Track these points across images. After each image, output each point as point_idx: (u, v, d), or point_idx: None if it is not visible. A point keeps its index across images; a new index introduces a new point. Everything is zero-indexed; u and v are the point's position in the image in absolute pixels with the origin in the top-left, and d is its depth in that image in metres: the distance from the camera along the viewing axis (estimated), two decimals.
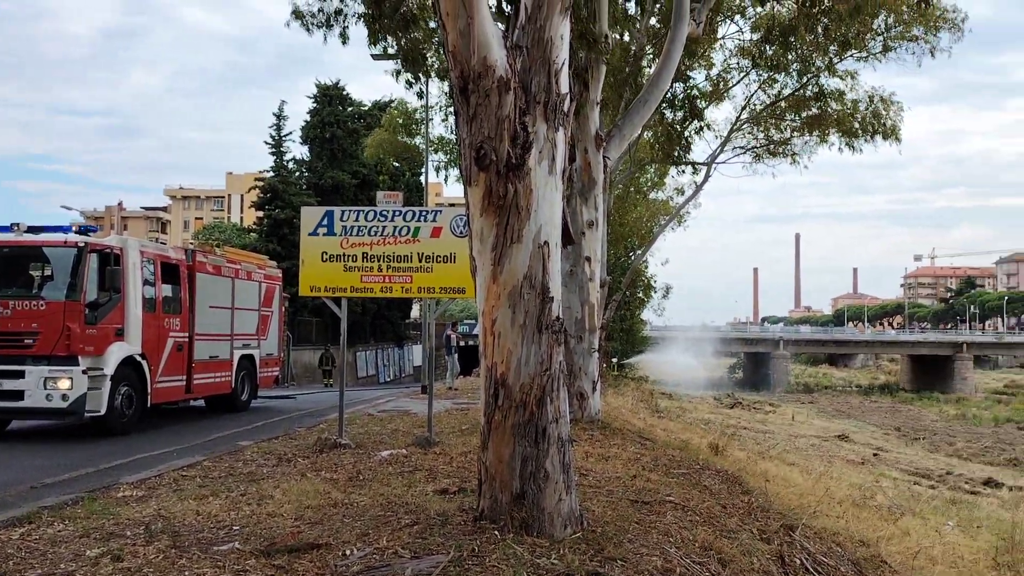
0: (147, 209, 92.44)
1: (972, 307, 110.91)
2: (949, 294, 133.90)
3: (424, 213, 8.50)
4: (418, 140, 22.63)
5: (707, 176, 19.78)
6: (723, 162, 18.85)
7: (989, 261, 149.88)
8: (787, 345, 71.00)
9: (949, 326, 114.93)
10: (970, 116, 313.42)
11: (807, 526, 5.91)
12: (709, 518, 5.41)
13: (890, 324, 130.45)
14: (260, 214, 38.46)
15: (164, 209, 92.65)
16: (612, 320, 24.64)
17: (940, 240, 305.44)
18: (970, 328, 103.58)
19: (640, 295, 33.13)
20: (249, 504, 5.45)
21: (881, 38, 14.95)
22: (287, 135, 39.31)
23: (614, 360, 29.22)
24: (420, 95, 15.10)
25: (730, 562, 4.43)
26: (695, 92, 15.52)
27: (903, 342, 73.34)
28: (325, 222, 8.39)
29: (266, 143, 38.91)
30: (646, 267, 33.69)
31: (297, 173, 39.99)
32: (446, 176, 23.40)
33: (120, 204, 69.33)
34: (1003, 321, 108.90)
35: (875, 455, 22.51)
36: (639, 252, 27.07)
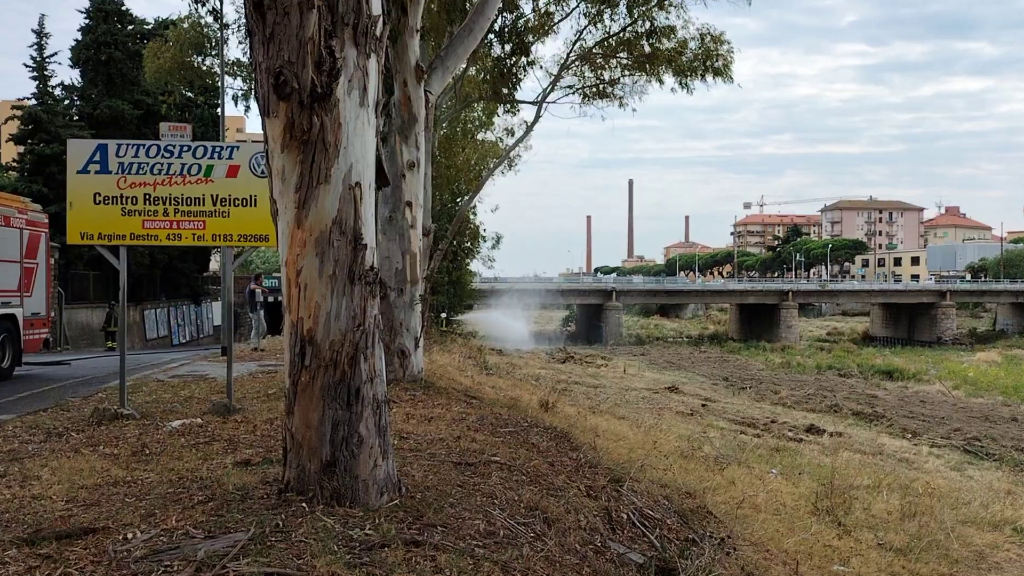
0: None
1: (798, 255, 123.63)
2: (776, 242, 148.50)
3: (218, 149, 8.20)
4: (214, 63, 20.92)
5: (537, 116, 20.33)
6: (553, 102, 19.43)
7: (814, 209, 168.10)
8: (620, 296, 75.49)
9: (776, 275, 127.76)
10: (799, 60, 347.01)
11: (635, 480, 6.45)
12: (536, 477, 5.72)
13: (720, 273, 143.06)
14: (21, 149, 35.04)
15: None
16: (438, 272, 24.93)
17: (768, 187, 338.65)
18: (796, 276, 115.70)
19: (468, 244, 33.73)
20: (10, 487, 5.20)
21: None
22: (52, 56, 35.86)
23: (441, 315, 29.73)
24: (215, 15, 14.01)
25: (556, 521, 4.72)
26: (522, 25, 15.79)
27: (732, 291, 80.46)
28: (97, 158, 7.90)
29: (26, 66, 35.24)
30: (475, 214, 34.32)
31: (67, 101, 36.98)
32: (247, 107, 22.16)
33: None
34: (827, 269, 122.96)
35: (703, 406, 24.77)
36: (467, 198, 27.38)
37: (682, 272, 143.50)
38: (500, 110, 24.21)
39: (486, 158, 29.58)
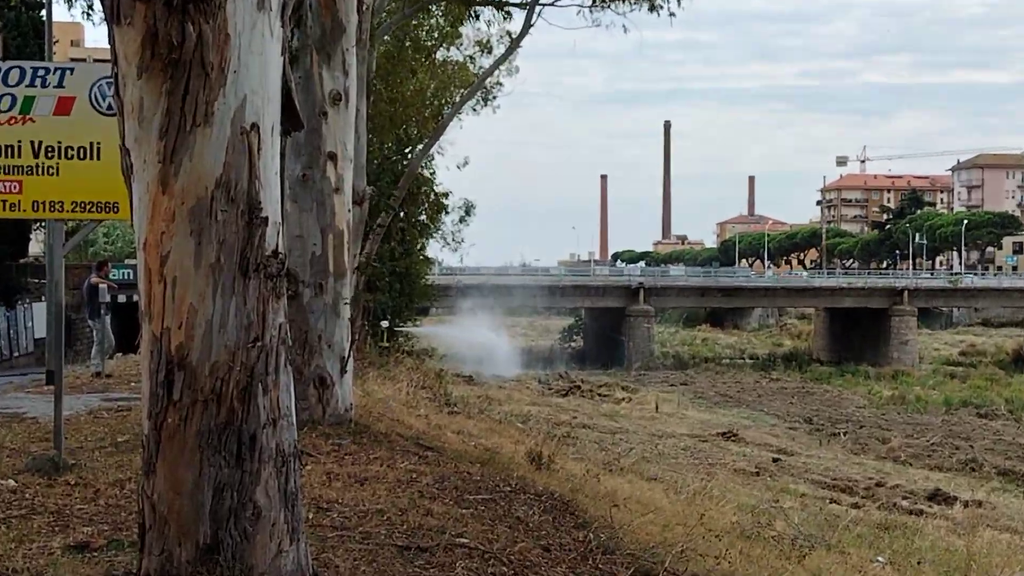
0: None
1: (917, 235, 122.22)
2: (886, 216, 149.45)
3: (41, 72, 8.22)
4: None
5: (527, 24, 20.41)
6: (551, 3, 19.45)
7: (943, 167, 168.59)
8: (651, 296, 76.28)
9: (886, 265, 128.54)
10: None
11: (672, 573, 6.49)
12: (523, 569, 5.79)
13: (800, 263, 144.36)
14: None
15: None
16: (377, 258, 25.04)
17: (874, 135, 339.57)
18: (914, 267, 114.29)
19: (423, 218, 33.87)
20: None
21: None
22: None
23: (382, 324, 29.81)
24: None
25: None
26: None
27: (818, 289, 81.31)
28: None
29: None
30: (432, 172, 34.41)
31: None
32: (89, 8, 22.06)
33: None
34: (960, 256, 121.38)
35: (775, 461, 25.03)
36: (420, 148, 27.48)
37: (744, 261, 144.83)
38: (470, 14, 24.16)
39: (449, 88, 29.62)
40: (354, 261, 11.51)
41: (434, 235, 37.15)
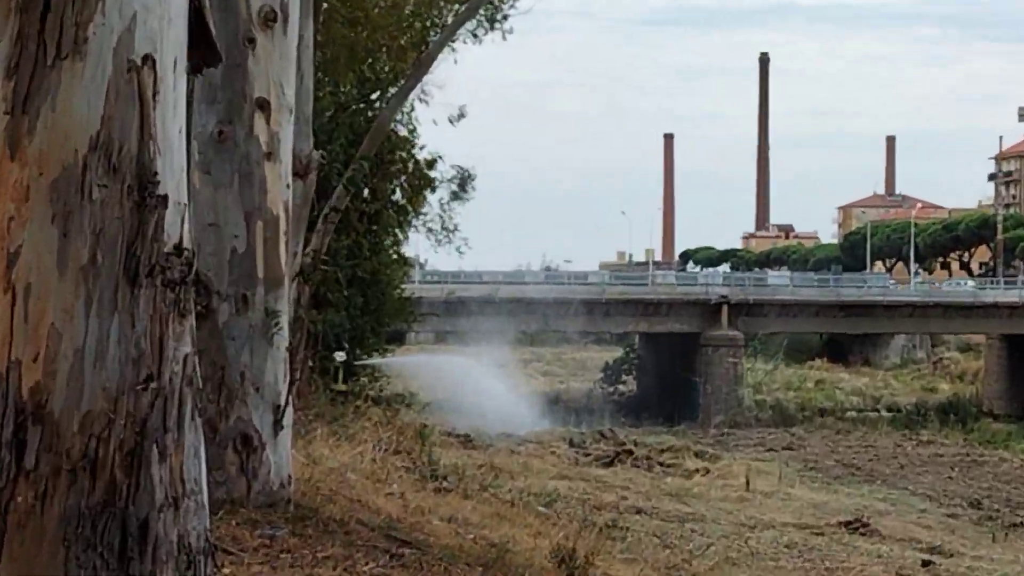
0: None
1: None
2: None
3: None
4: None
5: None
6: None
7: None
8: (739, 316, 76.63)
9: None
10: None
11: None
12: None
13: (964, 266, 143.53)
14: None
15: None
16: (331, 258, 24.87)
17: None
18: None
19: (398, 196, 33.75)
20: None
21: None
22: None
23: (336, 356, 29.76)
24: None
25: None
26: None
27: (993, 307, 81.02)
28: None
29: None
30: (414, 130, 34.20)
31: None
32: None
33: None
34: None
35: (926, 565, 24.78)
36: (395, 92, 27.44)
37: (878, 263, 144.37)
38: None
39: (437, 3, 29.53)
40: (295, 262, 11.51)
41: (415, 223, 37.12)
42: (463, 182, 38.32)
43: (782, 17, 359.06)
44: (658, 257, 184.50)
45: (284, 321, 10.97)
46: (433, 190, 36.00)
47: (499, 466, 29.40)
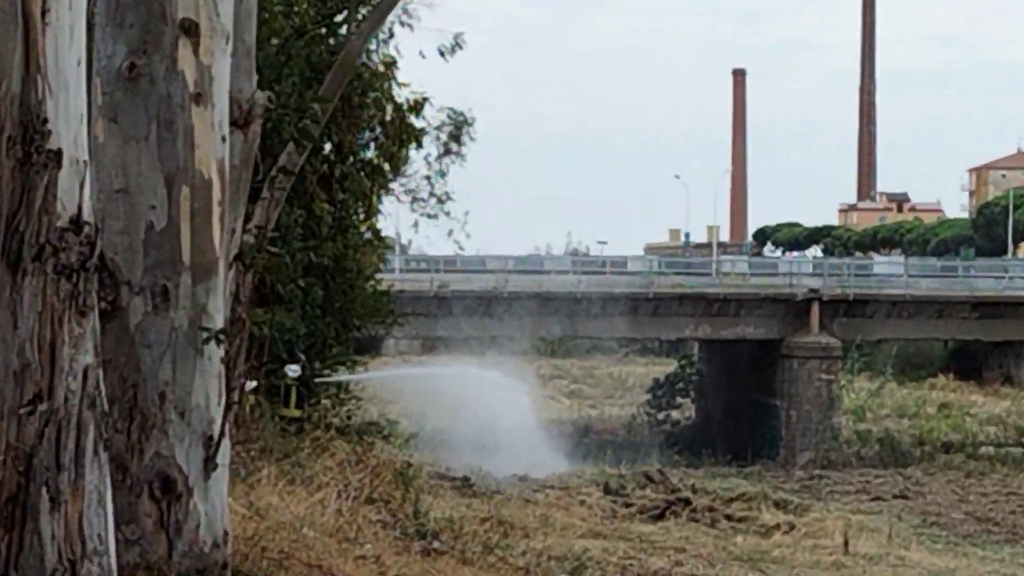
0: None
1: None
2: None
3: None
4: None
5: None
6: None
7: None
8: (835, 318, 76.39)
9: None
10: None
11: None
12: None
13: None
14: None
15: None
16: (280, 237, 24.74)
17: None
18: None
19: (371, 152, 33.59)
20: None
21: None
22: None
23: (288, 371, 29.71)
24: None
25: None
26: None
27: None
28: None
29: None
30: (393, 63, 34.03)
31: None
32: None
33: None
34: None
35: None
36: (366, 12, 27.46)
37: (1023, 246, 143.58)
38: None
39: None
40: (233, 242, 11.53)
41: (394, 190, 37.05)
42: (458, 131, 37.97)
43: None
44: (724, 237, 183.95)
45: (218, 323, 10.95)
46: (419, 144, 35.62)
47: (509, 520, 29.38)
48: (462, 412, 62.52)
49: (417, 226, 43.66)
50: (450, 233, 41.35)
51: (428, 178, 38.04)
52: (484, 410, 64.96)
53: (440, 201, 38.59)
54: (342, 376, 37.54)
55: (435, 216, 39.19)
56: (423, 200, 38.45)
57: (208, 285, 10.78)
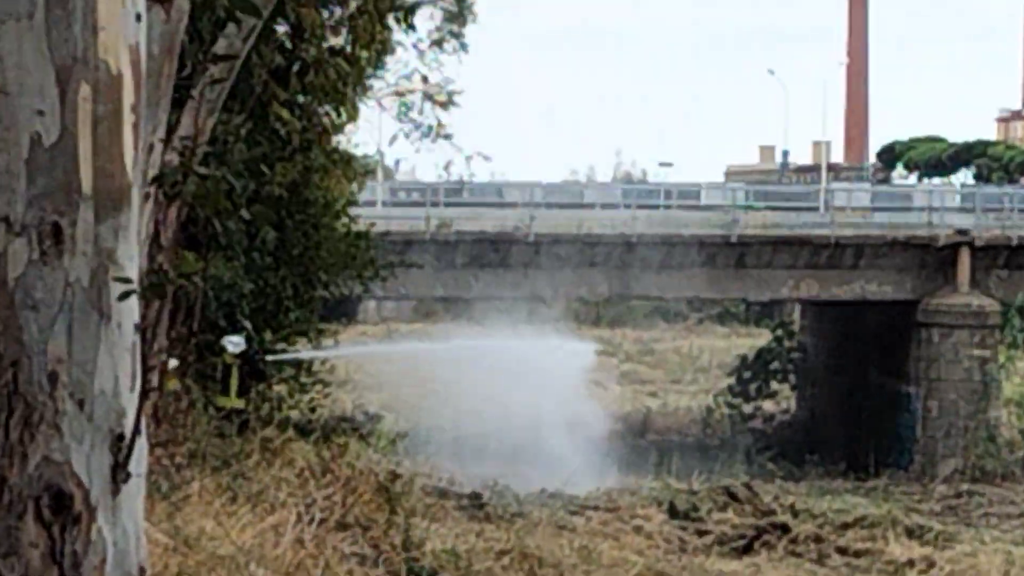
0: None
1: None
2: None
3: None
4: None
5: None
6: None
7: None
8: (991, 271, 76.00)
9: None
10: None
11: None
12: None
13: None
14: None
15: None
16: (217, 153, 24.64)
17: None
18: None
19: (343, 37, 33.62)
20: None
21: None
22: None
23: (228, 344, 29.71)
24: None
25: None
26: None
27: None
28: None
29: None
30: None
31: None
32: None
33: None
34: None
35: None
36: None
37: None
38: None
39: None
40: (151, 163, 11.54)
41: (371, 88, 37.09)
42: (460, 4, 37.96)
43: None
44: (837, 158, 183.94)
45: (132, 275, 10.79)
46: (408, 24, 35.64)
47: (536, 554, 29.49)
48: (469, 402, 62.51)
49: (407, 138, 43.59)
50: (465, 158, 41.41)
51: (424, 78, 38.06)
52: (499, 400, 64.89)
53: (438, 104, 38.64)
54: (303, 354, 37.58)
55: (431, 132, 39.18)
56: (414, 106, 38.47)
57: (117, 222, 10.60)
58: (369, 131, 48.80)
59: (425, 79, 37.55)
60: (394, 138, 41.29)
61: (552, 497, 47.96)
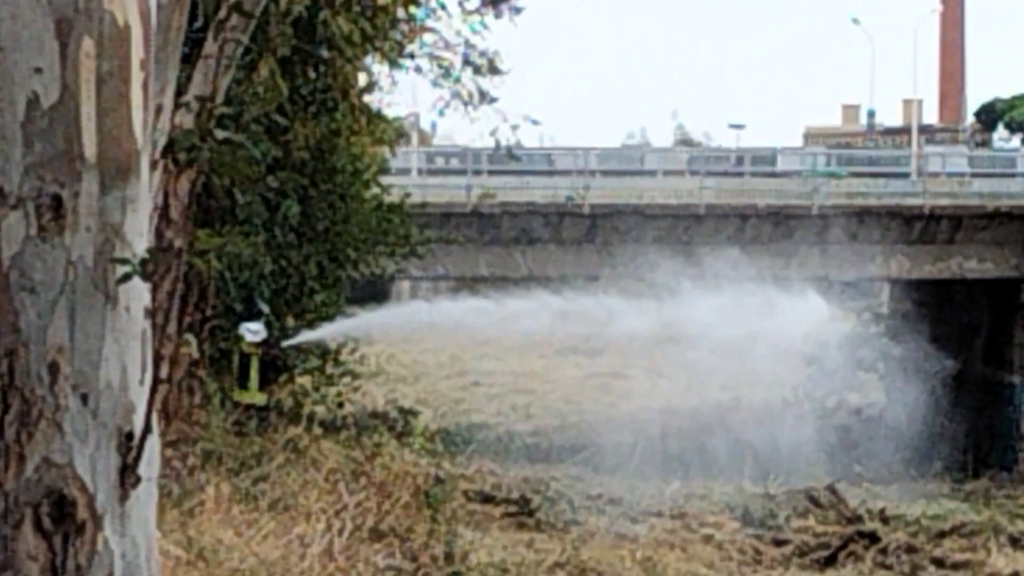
0: None
1: None
2: None
3: None
4: None
5: None
6: None
7: None
8: None
9: None
10: None
11: None
12: None
13: None
14: None
15: None
16: (234, 116, 24.68)
17: None
18: None
19: None
20: None
21: None
22: None
23: (246, 333, 29.69)
24: None
25: None
26: None
27: None
28: None
29: None
30: None
31: None
32: None
33: None
34: None
35: None
36: None
37: None
38: None
39: None
40: (161, 126, 11.51)
41: (409, 46, 37.22)
42: None
43: None
44: (930, 119, 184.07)
45: (140, 252, 10.76)
46: None
47: (594, 567, 29.49)
48: (513, 392, 62.66)
49: (448, 106, 43.53)
50: (512, 127, 41.38)
51: (466, 41, 38.13)
52: (549, 390, 65.08)
53: (477, 62, 38.70)
54: (328, 341, 37.55)
55: (471, 99, 39.23)
56: (450, 65, 38.55)
57: (124, 193, 10.54)
58: (403, 96, 48.92)
59: (466, 43, 37.52)
60: (445, 106, 41.18)
61: (610, 503, 47.90)
